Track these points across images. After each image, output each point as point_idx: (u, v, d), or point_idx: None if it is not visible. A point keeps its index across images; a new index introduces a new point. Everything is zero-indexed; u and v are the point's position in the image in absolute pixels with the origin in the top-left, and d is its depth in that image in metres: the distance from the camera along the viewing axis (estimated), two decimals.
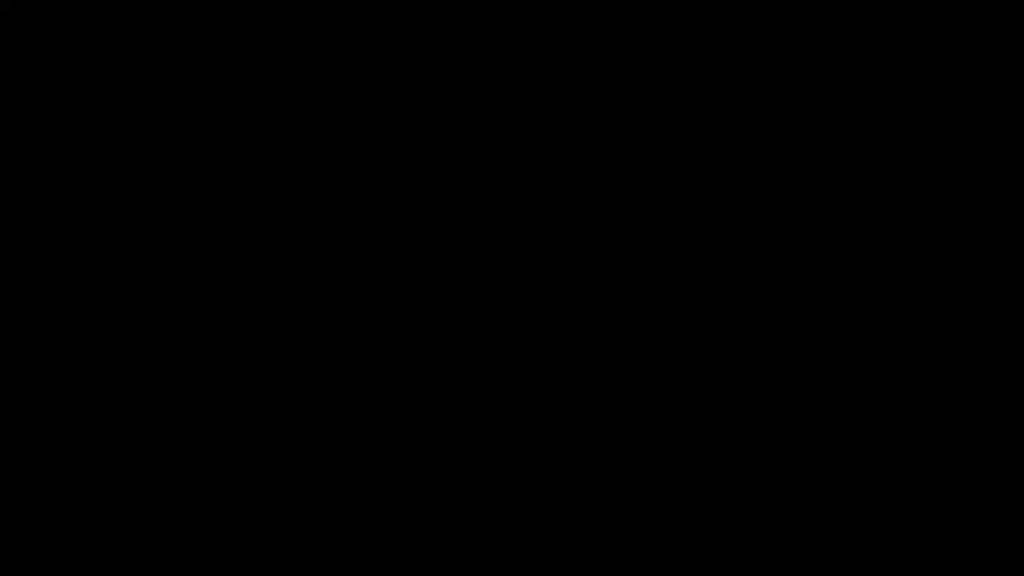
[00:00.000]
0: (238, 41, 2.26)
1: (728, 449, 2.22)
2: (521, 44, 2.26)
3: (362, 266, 2.24)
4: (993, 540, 2.18)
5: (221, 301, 2.24)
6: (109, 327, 2.23)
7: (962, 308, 2.22)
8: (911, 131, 2.24)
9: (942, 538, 2.19)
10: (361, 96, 2.26)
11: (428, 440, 2.23)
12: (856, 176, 2.24)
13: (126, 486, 2.21)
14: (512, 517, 2.21)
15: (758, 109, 2.25)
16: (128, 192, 2.25)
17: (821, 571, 2.19)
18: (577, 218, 2.25)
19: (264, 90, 2.26)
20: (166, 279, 2.24)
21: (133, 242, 2.24)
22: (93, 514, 2.20)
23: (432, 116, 2.26)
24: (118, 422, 2.22)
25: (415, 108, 2.26)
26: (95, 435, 2.21)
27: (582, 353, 2.24)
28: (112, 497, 2.21)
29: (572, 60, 2.26)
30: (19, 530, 2.20)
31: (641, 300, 2.24)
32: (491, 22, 2.26)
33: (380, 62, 2.26)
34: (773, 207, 2.24)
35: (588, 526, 2.21)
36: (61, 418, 2.22)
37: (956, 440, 2.20)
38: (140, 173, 2.25)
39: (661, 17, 2.26)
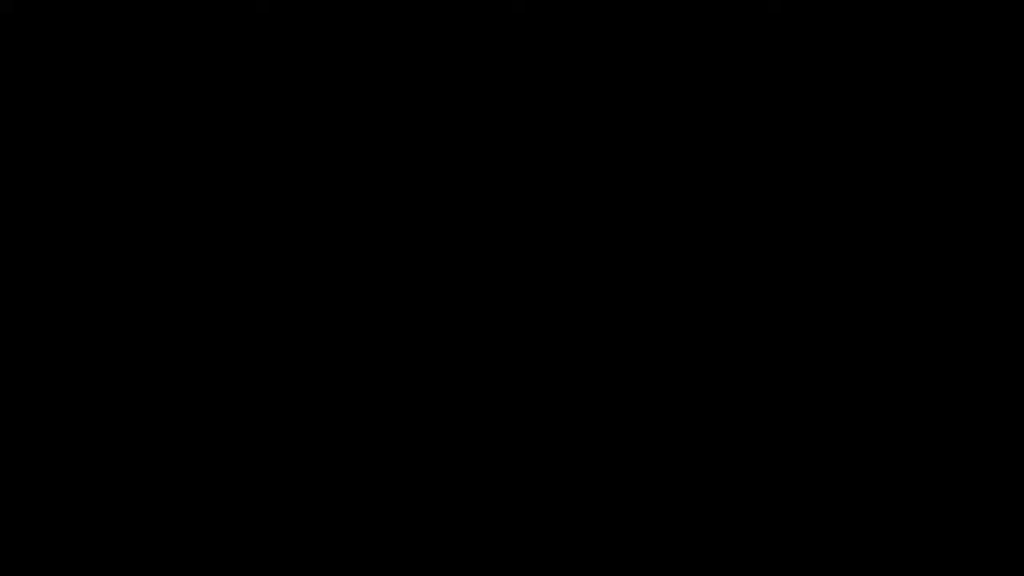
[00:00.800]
0: (238, 41, 2.26)
1: (728, 449, 2.22)
2: (521, 44, 2.26)
3: (362, 266, 2.24)
4: (993, 540, 2.18)
5: (221, 301, 2.24)
6: (109, 327, 2.23)
7: (962, 308, 2.22)
8: (911, 131, 2.24)
9: (942, 538, 2.19)
10: (361, 96, 2.26)
11: (428, 440, 2.23)
12: (856, 176, 2.24)
13: (126, 486, 2.21)
14: (512, 517, 2.21)
15: (758, 109, 2.25)
16: (128, 192, 2.25)
17: (821, 571, 2.19)
18: (577, 218, 2.25)
19: (264, 90, 2.26)
20: (166, 279, 2.24)
21: (133, 242, 2.24)
22: (93, 514, 2.20)
23: (432, 116, 2.26)
24: (118, 422, 2.22)
25: (415, 108, 2.26)
26: (95, 435, 2.21)
27: (582, 353, 2.24)
28: (112, 497, 2.21)
29: (572, 60, 2.26)
30: (19, 530, 2.20)
31: (641, 300, 2.24)
32: (491, 22, 2.26)
33: (380, 62, 2.26)
34: (773, 207, 2.24)
35: (588, 526, 2.21)
36: (61, 418, 2.22)
37: (956, 440, 2.21)
38: (140, 173, 2.25)
39: (661, 17, 2.26)
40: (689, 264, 2.24)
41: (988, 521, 2.19)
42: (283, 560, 2.20)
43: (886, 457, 2.21)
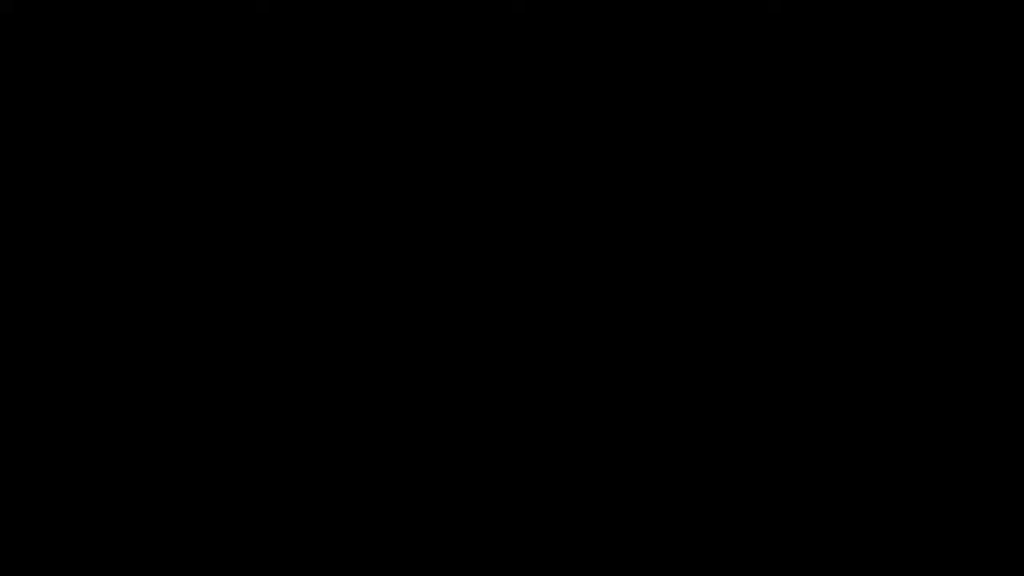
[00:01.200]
0: (238, 41, 2.26)
1: (728, 449, 2.22)
2: (521, 44, 2.26)
3: (362, 266, 2.24)
4: (993, 540, 2.18)
5: (221, 301, 2.24)
6: (109, 327, 2.23)
7: (962, 308, 2.22)
8: (911, 131, 2.24)
9: (942, 538, 2.19)
10: (361, 96, 2.26)
11: (428, 440, 2.23)
12: (856, 176, 2.24)
13: (126, 486, 2.21)
14: (512, 517, 2.21)
15: (758, 109, 2.25)
16: (128, 192, 2.25)
17: (821, 571, 2.19)
18: (577, 218, 2.25)
19: (264, 90, 2.26)
20: (166, 279, 2.24)
21: (133, 242, 2.24)
22: (93, 514, 2.20)
23: (432, 116, 2.26)
24: (118, 422, 2.22)
25: (415, 108, 2.26)
26: (95, 435, 2.21)
27: (582, 353, 2.24)
28: (112, 497, 2.21)
29: (572, 60, 2.26)
30: (19, 530, 2.20)
31: (641, 300, 2.24)
32: (491, 22, 2.26)
33: (380, 62, 2.26)
34: (773, 207, 2.24)
35: (588, 526, 2.21)
36: (61, 418, 2.22)
37: (956, 440, 2.21)
38: (140, 173, 2.25)
39: (661, 17, 2.26)
40: (689, 263, 2.24)
41: (988, 521, 2.19)
42: (283, 560, 2.20)
43: (886, 457, 2.21)
